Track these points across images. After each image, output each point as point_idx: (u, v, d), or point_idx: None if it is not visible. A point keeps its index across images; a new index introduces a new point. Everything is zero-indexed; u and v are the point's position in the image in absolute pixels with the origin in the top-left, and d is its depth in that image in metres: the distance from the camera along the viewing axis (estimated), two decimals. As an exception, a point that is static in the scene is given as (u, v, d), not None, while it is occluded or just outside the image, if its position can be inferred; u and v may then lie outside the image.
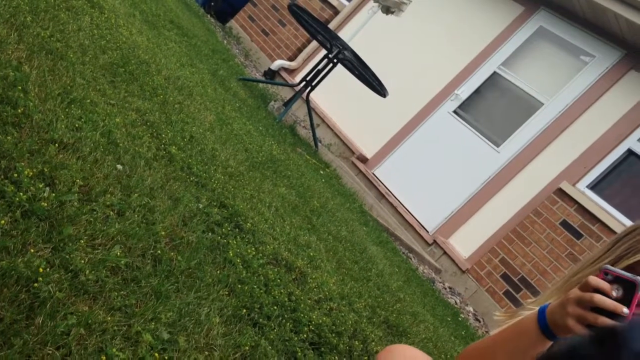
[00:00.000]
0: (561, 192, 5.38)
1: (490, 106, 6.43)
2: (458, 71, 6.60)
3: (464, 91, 6.50)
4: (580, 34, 6.02)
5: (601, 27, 5.83)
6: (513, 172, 5.86)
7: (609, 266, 1.04)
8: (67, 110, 2.08)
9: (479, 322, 5.18)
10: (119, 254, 1.61)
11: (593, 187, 5.43)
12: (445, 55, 6.75)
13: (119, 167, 2.04)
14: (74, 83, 2.32)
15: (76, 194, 1.69)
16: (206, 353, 1.59)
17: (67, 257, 1.46)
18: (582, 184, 5.44)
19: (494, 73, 6.42)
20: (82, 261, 1.48)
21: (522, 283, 5.26)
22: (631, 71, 5.60)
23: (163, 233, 1.89)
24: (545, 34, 6.27)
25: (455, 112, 6.50)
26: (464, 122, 6.39)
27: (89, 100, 2.29)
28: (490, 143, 6.12)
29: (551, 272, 5.14)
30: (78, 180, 1.75)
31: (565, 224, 5.24)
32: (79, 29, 2.88)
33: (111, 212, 1.77)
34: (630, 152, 5.39)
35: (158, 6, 5.11)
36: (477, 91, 6.47)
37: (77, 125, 2.05)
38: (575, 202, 5.26)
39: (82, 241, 1.55)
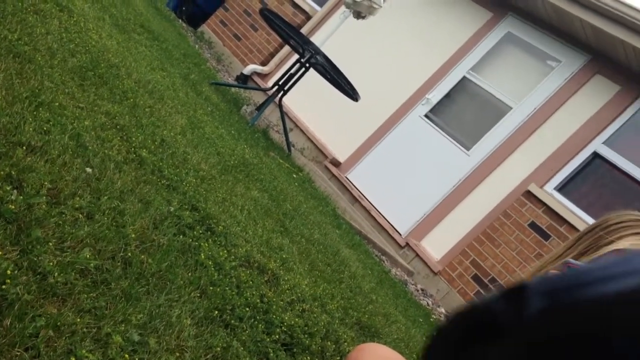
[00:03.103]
0: (529, 194, 5.48)
1: (461, 110, 6.52)
2: (429, 76, 6.69)
3: (435, 95, 6.58)
4: (547, 39, 6.16)
5: (567, 32, 5.98)
6: (483, 175, 5.95)
7: (571, 260, 1.08)
8: (35, 113, 2.06)
9: (451, 323, 5.23)
10: (88, 256, 1.61)
11: (560, 189, 5.54)
12: (416, 60, 6.84)
13: (88, 170, 2.03)
14: (42, 86, 2.30)
15: (44, 197, 1.68)
16: (177, 354, 1.59)
17: (36, 259, 1.45)
18: (550, 186, 5.55)
19: (464, 78, 6.51)
20: (51, 263, 1.47)
21: (493, 284, 5.34)
22: (596, 75, 5.74)
23: (133, 236, 1.88)
24: (513, 40, 6.40)
25: (426, 116, 6.58)
26: (435, 126, 6.47)
27: (57, 104, 2.27)
28: (460, 146, 6.21)
29: (520, 273, 5.23)
30: (46, 183, 1.74)
31: (533, 226, 5.34)
32: (47, 33, 2.85)
33: (80, 215, 1.76)
34: (595, 155, 5.52)
35: (128, 10, 5.08)
36: (448, 95, 6.56)
37: (45, 128, 2.03)
38: (543, 204, 5.37)
39: (51, 244, 1.54)
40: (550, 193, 5.49)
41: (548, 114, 5.84)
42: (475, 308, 0.26)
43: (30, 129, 1.93)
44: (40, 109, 2.12)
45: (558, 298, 0.23)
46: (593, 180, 5.57)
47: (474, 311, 0.26)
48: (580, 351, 0.21)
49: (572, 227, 5.13)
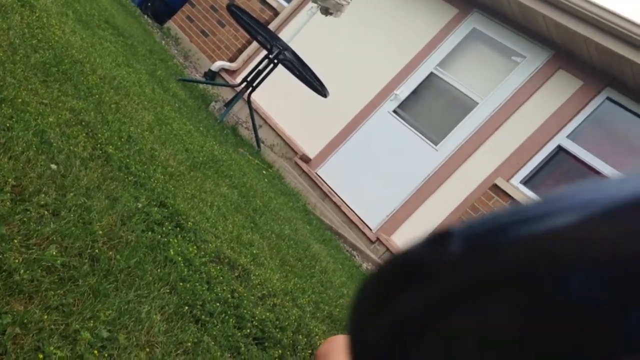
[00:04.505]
0: (496, 188, 5.57)
1: (428, 106, 6.59)
2: (397, 72, 6.74)
3: (403, 91, 6.63)
4: (511, 35, 6.26)
5: (531, 28, 6.08)
6: (451, 169, 6.03)
7: None
8: (-3, 109, 2.02)
9: (421, 316, 5.29)
10: (54, 253, 1.58)
11: (526, 182, 5.65)
12: (384, 56, 6.88)
13: (53, 166, 1.99)
14: (4, 82, 2.25)
15: (8, 194, 1.65)
16: (147, 350, 1.58)
17: (0, 256, 1.42)
18: (516, 180, 5.65)
19: (431, 73, 6.58)
20: (16, 261, 1.44)
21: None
22: (560, 70, 5.86)
23: (100, 232, 1.86)
24: (478, 36, 6.48)
25: (395, 111, 6.63)
26: (403, 122, 6.53)
27: (20, 100, 2.22)
28: (428, 142, 6.27)
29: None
30: (10, 180, 1.71)
31: (500, 218, 5.43)
32: (9, 28, 2.79)
33: (46, 212, 1.73)
34: (560, 148, 5.64)
35: (92, 6, 4.99)
36: (415, 91, 6.62)
37: (7, 124, 1.99)
38: (510, 197, 5.46)
39: (16, 241, 1.51)
40: (516, 186, 5.59)
41: (513, 108, 5.94)
42: (402, 255, 0.26)
43: (-7, 125, 1.89)
44: (3, 105, 2.08)
45: (482, 239, 0.23)
46: (558, 173, 5.69)
47: (400, 258, 0.26)
48: (505, 294, 0.21)
49: (538, 219, 5.23)
